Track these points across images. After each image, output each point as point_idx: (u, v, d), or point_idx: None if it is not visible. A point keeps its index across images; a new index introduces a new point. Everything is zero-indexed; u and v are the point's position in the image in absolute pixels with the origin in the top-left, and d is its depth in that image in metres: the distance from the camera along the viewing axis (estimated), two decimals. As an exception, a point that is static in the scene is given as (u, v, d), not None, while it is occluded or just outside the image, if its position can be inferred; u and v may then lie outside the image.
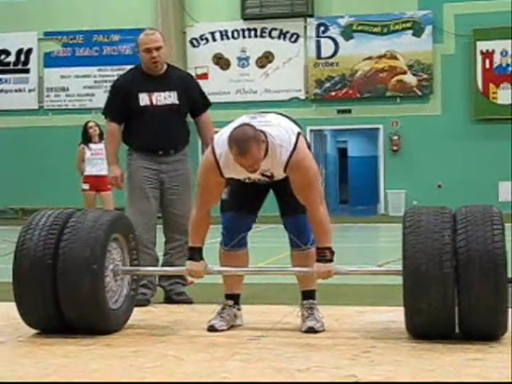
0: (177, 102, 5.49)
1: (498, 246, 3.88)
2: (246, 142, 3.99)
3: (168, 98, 5.48)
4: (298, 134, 4.23)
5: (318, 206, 4.23)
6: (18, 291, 4.25)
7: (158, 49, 5.43)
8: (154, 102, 5.47)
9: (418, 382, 3.36)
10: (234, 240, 4.53)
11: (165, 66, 5.57)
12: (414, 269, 3.91)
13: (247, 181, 4.37)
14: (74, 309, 4.19)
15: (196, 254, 4.40)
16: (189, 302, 5.51)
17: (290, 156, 4.14)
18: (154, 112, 5.44)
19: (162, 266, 5.58)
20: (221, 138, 4.22)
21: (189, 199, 5.54)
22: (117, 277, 4.46)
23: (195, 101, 5.61)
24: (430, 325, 3.99)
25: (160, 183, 5.51)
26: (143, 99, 5.46)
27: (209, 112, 5.70)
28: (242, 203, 4.52)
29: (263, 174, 4.28)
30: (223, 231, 4.59)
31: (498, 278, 3.85)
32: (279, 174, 4.26)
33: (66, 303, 4.19)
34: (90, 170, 10.71)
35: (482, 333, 3.98)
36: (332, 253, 4.26)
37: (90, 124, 10.95)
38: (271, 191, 4.57)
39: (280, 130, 4.19)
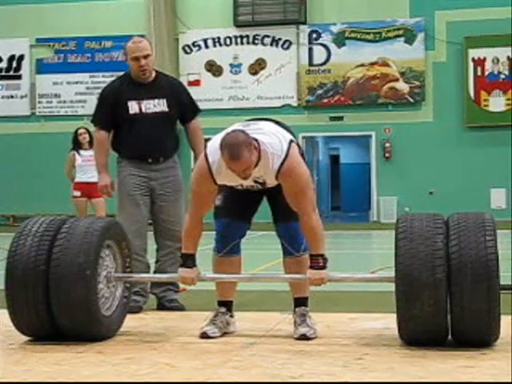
0: (166, 109, 5.48)
1: (491, 251, 3.89)
2: (237, 147, 4.00)
3: (157, 105, 5.48)
4: (291, 141, 4.24)
5: (310, 213, 4.23)
6: (9, 297, 4.23)
7: (146, 57, 5.42)
8: (144, 110, 5.46)
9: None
10: (228, 246, 4.52)
11: (153, 74, 5.56)
12: (406, 274, 3.91)
13: (240, 188, 4.37)
14: (67, 315, 4.18)
15: (189, 260, 4.40)
16: (181, 308, 5.50)
17: (282, 163, 4.15)
18: (144, 120, 5.43)
19: (154, 273, 5.57)
20: (213, 145, 4.22)
21: (179, 206, 5.54)
22: (110, 283, 4.45)
23: (184, 108, 5.61)
24: (422, 330, 3.98)
25: (150, 190, 5.50)
26: (132, 107, 5.46)
27: (198, 119, 5.70)
28: (235, 210, 4.52)
29: (256, 181, 4.29)
30: (216, 237, 4.58)
31: (491, 283, 3.86)
32: (272, 181, 4.27)
33: (58, 309, 4.18)
34: (80, 177, 10.67)
35: (475, 338, 3.99)
36: (325, 260, 4.27)
37: (81, 131, 10.93)
38: (265, 199, 4.57)
39: (272, 137, 4.21)
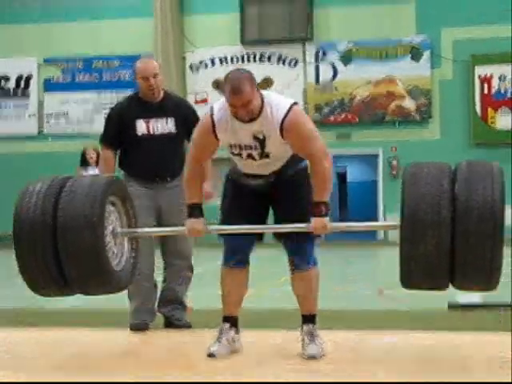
0: (174, 129, 5.51)
1: (497, 198, 3.81)
2: (240, 80, 4.07)
3: (165, 125, 5.51)
4: (295, 102, 4.29)
5: (321, 159, 4.19)
6: (19, 255, 4.20)
7: (154, 76, 5.46)
8: (151, 130, 5.49)
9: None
10: (235, 258, 4.50)
11: (162, 94, 5.59)
12: (411, 214, 3.84)
13: (237, 151, 4.33)
14: (76, 265, 4.11)
15: (195, 210, 4.37)
16: (188, 326, 5.49)
17: (286, 115, 4.18)
18: (151, 139, 5.45)
19: (162, 291, 5.56)
20: (219, 101, 4.34)
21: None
22: (116, 239, 4.41)
23: (192, 128, 5.61)
24: (423, 272, 3.91)
25: (157, 209, 5.50)
26: (140, 126, 5.48)
27: None
28: (241, 220, 4.46)
29: (255, 137, 4.24)
30: (224, 249, 4.56)
31: (496, 231, 3.77)
32: (273, 138, 4.22)
33: (67, 260, 4.11)
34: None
35: (475, 283, 3.95)
36: (327, 208, 4.23)
37: (88, 150, 11.00)
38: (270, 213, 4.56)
39: (277, 96, 4.33)
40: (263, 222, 4.58)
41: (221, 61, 18.81)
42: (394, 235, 17.28)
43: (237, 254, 4.51)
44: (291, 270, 4.56)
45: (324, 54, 18.39)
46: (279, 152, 4.33)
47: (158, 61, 5.80)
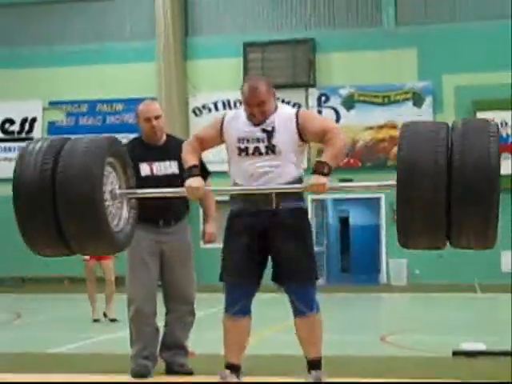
0: (177, 171, 5.51)
1: (494, 150, 3.76)
2: (258, 81, 4.43)
3: (168, 167, 5.51)
4: (296, 115, 4.51)
5: (338, 133, 4.41)
6: (18, 213, 4.17)
7: (157, 118, 5.50)
8: (155, 172, 5.50)
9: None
10: (237, 306, 4.48)
11: (164, 137, 5.61)
12: (407, 161, 3.81)
13: (244, 145, 4.43)
14: (74, 221, 4.05)
15: (193, 170, 4.45)
16: (190, 373, 5.44)
17: (298, 110, 4.53)
18: (155, 182, 5.44)
19: (163, 336, 5.52)
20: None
21: (189, 269, 5.51)
22: (115, 200, 4.36)
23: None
24: (419, 219, 3.84)
25: (160, 253, 5.49)
26: (144, 169, 5.49)
27: (209, 181, 5.72)
28: (243, 270, 4.46)
29: (264, 130, 4.38)
30: (226, 299, 4.54)
31: (492, 172, 3.72)
32: (283, 129, 4.39)
33: (65, 217, 4.05)
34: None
35: (472, 235, 3.90)
36: (329, 169, 4.26)
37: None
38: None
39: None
40: (262, 270, 4.54)
41: (224, 105, 18.93)
42: (397, 279, 17.22)
43: (238, 302, 4.50)
44: (294, 315, 4.54)
45: (326, 98, 18.52)
46: (286, 147, 4.39)
47: (161, 104, 5.83)
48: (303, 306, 4.46)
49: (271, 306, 9.95)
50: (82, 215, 4.03)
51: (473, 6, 18.14)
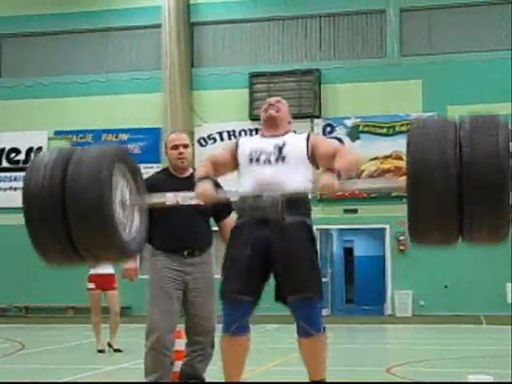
0: (202, 203, 5.52)
1: (504, 144, 3.72)
2: (279, 99, 4.80)
3: (193, 198, 5.52)
4: (308, 137, 4.65)
5: (349, 151, 4.54)
6: (30, 227, 4.20)
7: (185, 146, 5.65)
8: (180, 202, 5.52)
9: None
10: (235, 324, 4.39)
11: (190, 170, 5.70)
12: (417, 156, 3.77)
13: (257, 155, 4.55)
14: (85, 229, 4.04)
15: (203, 179, 4.55)
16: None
17: (309, 133, 4.67)
18: (180, 212, 5.46)
19: (182, 367, 5.50)
20: None
21: (211, 301, 5.50)
22: (126, 208, 4.36)
23: (219, 206, 5.62)
24: (432, 219, 3.80)
25: (184, 285, 5.48)
26: (169, 199, 5.52)
27: (231, 217, 5.71)
28: (241, 285, 4.39)
29: (276, 145, 4.54)
30: (223, 318, 4.46)
31: (502, 163, 3.67)
32: (293, 144, 4.54)
33: (76, 227, 4.05)
34: (95, 269, 10.64)
35: (484, 230, 3.82)
36: (339, 174, 4.24)
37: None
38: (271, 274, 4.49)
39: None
40: (262, 286, 4.47)
41: (229, 135, 18.99)
42: (402, 310, 17.20)
43: (237, 321, 4.40)
44: (298, 334, 4.45)
45: (332, 129, 18.57)
46: (295, 159, 4.48)
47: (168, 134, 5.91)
48: (307, 325, 4.36)
49: (277, 338, 9.92)
50: (93, 224, 4.02)
51: (477, 38, 18.26)
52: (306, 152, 4.52)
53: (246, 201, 4.51)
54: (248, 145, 4.68)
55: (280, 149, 4.54)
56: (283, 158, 4.50)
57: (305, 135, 4.63)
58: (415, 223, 3.87)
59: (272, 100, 4.81)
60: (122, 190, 4.38)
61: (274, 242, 4.41)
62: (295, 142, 4.58)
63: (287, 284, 4.41)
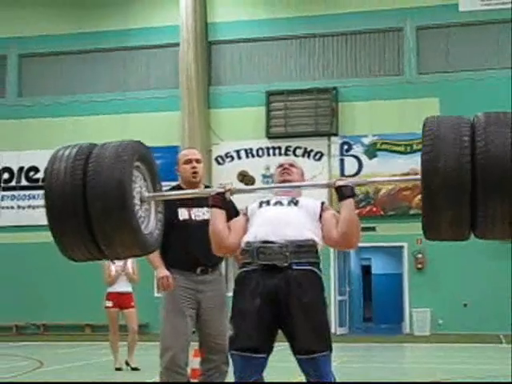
0: None
1: None
2: (292, 163, 4.75)
3: (206, 213, 5.52)
4: (322, 203, 4.53)
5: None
6: (51, 220, 4.28)
7: (197, 161, 5.68)
8: (193, 217, 5.55)
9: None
10: (250, 378, 4.19)
11: (202, 186, 5.75)
12: (431, 151, 3.77)
13: (265, 199, 4.53)
14: (105, 223, 4.09)
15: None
16: None
17: (323, 202, 4.53)
18: (193, 226, 5.50)
19: (198, 385, 5.51)
20: None
21: (224, 320, 5.47)
22: (143, 203, 4.39)
23: (230, 220, 5.63)
24: (445, 214, 3.79)
25: (197, 303, 5.49)
26: (182, 213, 5.55)
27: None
28: (251, 340, 4.18)
29: (290, 202, 4.46)
30: (235, 376, 4.26)
31: None
32: (306, 200, 4.48)
33: (97, 221, 4.10)
34: (113, 287, 10.64)
35: (497, 225, 3.78)
36: (354, 197, 4.37)
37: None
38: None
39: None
40: (273, 338, 4.26)
41: (246, 153, 19.02)
42: (420, 329, 17.04)
43: (251, 376, 4.20)
44: None
45: (349, 147, 18.57)
46: (307, 207, 4.43)
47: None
48: (316, 381, 4.17)
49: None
50: (113, 219, 4.08)
51: (494, 55, 18.23)
52: (318, 211, 4.42)
53: (253, 244, 4.33)
54: (259, 199, 4.62)
55: (293, 199, 4.49)
56: (296, 203, 4.44)
57: (319, 201, 4.52)
58: (428, 219, 3.88)
59: (286, 164, 4.74)
60: (139, 185, 4.43)
61: (281, 293, 4.20)
62: (309, 201, 4.51)
63: (295, 341, 4.22)
